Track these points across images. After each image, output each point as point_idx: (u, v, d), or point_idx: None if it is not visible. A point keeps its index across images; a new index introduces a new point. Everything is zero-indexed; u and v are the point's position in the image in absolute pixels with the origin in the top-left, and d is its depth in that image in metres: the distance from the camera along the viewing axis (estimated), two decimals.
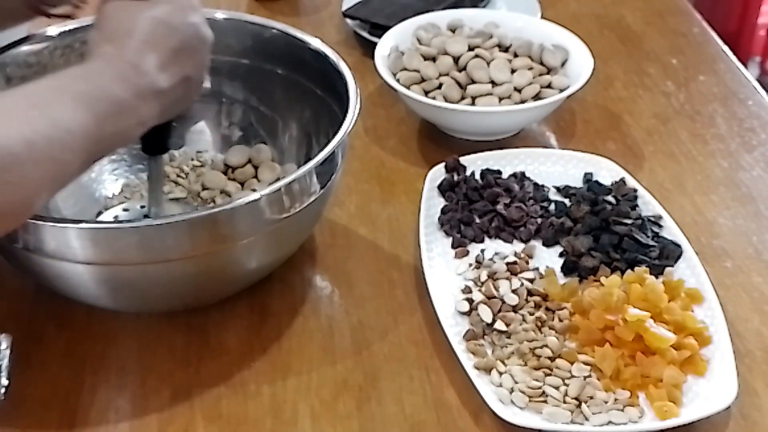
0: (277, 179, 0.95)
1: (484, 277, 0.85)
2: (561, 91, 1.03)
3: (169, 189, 0.95)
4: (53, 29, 0.91)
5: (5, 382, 0.76)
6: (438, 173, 0.97)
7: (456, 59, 1.06)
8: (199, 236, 0.75)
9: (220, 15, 0.96)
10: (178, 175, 0.97)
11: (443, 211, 0.93)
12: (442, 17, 1.14)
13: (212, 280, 0.80)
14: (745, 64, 1.29)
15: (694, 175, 1.02)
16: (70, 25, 0.91)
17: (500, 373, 0.77)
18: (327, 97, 0.91)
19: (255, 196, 0.75)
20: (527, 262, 0.88)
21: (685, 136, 1.08)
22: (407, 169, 1.02)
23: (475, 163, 0.98)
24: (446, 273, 0.87)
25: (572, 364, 0.78)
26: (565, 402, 0.75)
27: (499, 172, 0.97)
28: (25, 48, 0.90)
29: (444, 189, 0.96)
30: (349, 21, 1.24)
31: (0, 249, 0.79)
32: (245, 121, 0.99)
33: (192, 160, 0.99)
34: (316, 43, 0.92)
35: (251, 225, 0.77)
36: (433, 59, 1.07)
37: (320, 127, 0.92)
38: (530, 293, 0.84)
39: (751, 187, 1.00)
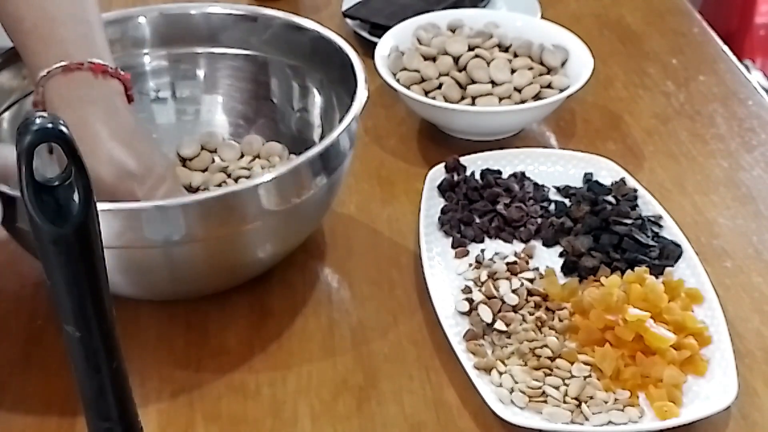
0: (242, 155, 0.97)
1: (484, 277, 0.85)
2: (561, 91, 1.03)
3: None
4: None
5: None
6: (438, 173, 0.97)
7: (456, 59, 1.06)
8: (206, 220, 0.75)
9: (224, 8, 0.96)
10: None
11: (443, 211, 0.93)
12: (442, 17, 1.14)
13: (216, 267, 0.80)
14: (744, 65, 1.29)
15: (694, 175, 1.02)
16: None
17: (500, 373, 0.77)
18: (335, 86, 0.91)
19: (265, 178, 0.75)
20: (527, 262, 0.88)
21: (685, 136, 1.08)
22: (407, 169, 1.02)
23: (475, 163, 0.98)
24: (446, 273, 0.87)
25: (572, 364, 0.78)
26: (565, 402, 0.75)
27: (499, 172, 0.97)
28: None
29: (444, 189, 0.96)
30: (349, 21, 1.24)
31: (7, 229, 0.79)
32: (251, 111, 0.99)
33: None
34: (321, 29, 0.93)
35: (259, 209, 0.77)
36: (433, 59, 1.07)
37: (331, 116, 0.93)
38: (530, 293, 0.84)
39: (751, 187, 1.00)
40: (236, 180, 0.95)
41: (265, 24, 0.96)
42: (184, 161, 0.97)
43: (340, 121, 0.81)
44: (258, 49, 0.97)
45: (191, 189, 0.94)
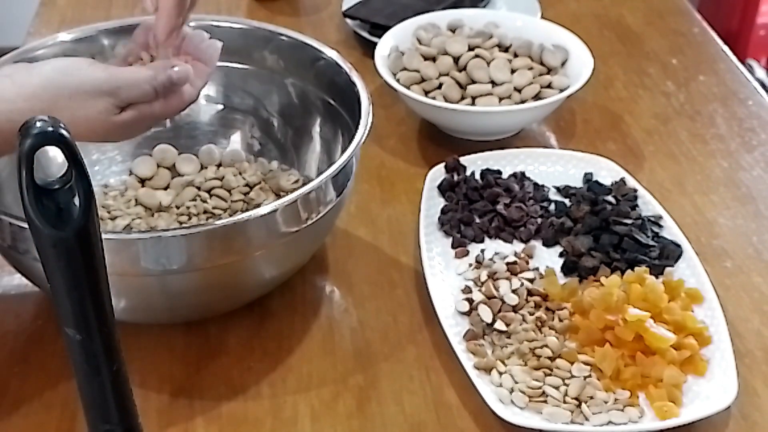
0: (201, 167, 0.95)
1: (484, 277, 0.85)
2: (561, 91, 1.03)
3: (114, 225, 0.91)
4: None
5: None
6: (438, 173, 0.97)
7: (456, 59, 1.06)
8: (212, 248, 0.74)
9: (229, 22, 0.96)
10: (109, 210, 0.93)
11: (443, 211, 0.93)
12: (442, 17, 1.14)
13: (221, 293, 0.80)
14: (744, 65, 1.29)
15: (694, 175, 1.02)
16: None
17: (500, 373, 0.77)
18: (337, 105, 0.91)
19: (271, 207, 0.74)
20: (527, 262, 0.88)
21: (685, 136, 1.08)
22: (407, 169, 1.02)
23: (475, 163, 0.98)
24: (446, 273, 0.87)
25: (572, 364, 0.78)
26: (565, 402, 0.75)
27: (499, 172, 0.97)
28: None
29: (444, 189, 0.96)
30: (349, 21, 1.24)
31: (6, 256, 0.79)
32: (256, 129, 0.98)
33: (105, 187, 0.95)
34: (328, 51, 0.92)
35: (266, 236, 0.76)
36: (433, 59, 1.07)
37: (331, 135, 0.92)
38: (530, 293, 0.84)
39: (751, 187, 1.00)
40: (209, 191, 0.93)
41: (266, 39, 0.95)
42: (142, 182, 0.95)
43: (344, 138, 0.80)
44: (257, 64, 0.96)
45: (162, 208, 0.92)
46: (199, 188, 0.94)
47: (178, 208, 0.92)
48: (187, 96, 0.80)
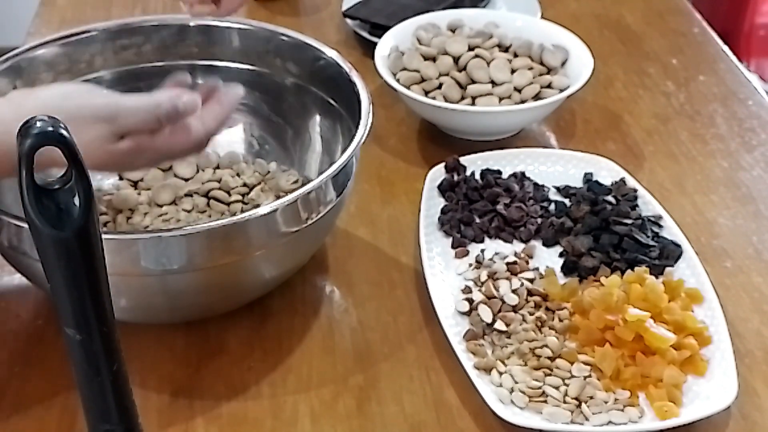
0: (198, 169, 0.95)
1: (484, 277, 0.85)
2: (561, 91, 1.03)
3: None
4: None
5: None
6: (438, 173, 0.97)
7: (456, 59, 1.06)
8: (212, 248, 0.74)
9: (229, 22, 0.96)
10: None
11: (443, 211, 0.93)
12: (442, 17, 1.14)
13: (221, 293, 0.80)
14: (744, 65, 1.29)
15: (694, 175, 1.02)
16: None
17: (500, 373, 0.77)
18: (337, 104, 0.91)
19: (272, 207, 0.74)
20: (527, 262, 0.88)
21: (685, 136, 1.08)
22: (407, 169, 1.02)
23: (475, 163, 0.98)
24: (446, 273, 0.87)
25: (572, 364, 0.78)
26: (565, 402, 0.75)
27: (499, 172, 0.97)
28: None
29: (444, 189, 0.96)
30: (349, 21, 1.24)
31: (6, 256, 0.79)
32: (255, 129, 0.98)
33: (99, 191, 0.93)
34: (328, 51, 0.92)
35: (267, 236, 0.76)
36: (433, 59, 1.07)
37: (331, 135, 0.92)
38: (530, 293, 0.84)
39: (751, 187, 1.00)
40: (206, 194, 0.92)
41: (266, 39, 0.95)
42: (135, 184, 0.95)
43: (344, 137, 0.80)
44: (257, 63, 0.96)
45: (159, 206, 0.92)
46: (196, 192, 0.93)
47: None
48: (195, 134, 0.77)
